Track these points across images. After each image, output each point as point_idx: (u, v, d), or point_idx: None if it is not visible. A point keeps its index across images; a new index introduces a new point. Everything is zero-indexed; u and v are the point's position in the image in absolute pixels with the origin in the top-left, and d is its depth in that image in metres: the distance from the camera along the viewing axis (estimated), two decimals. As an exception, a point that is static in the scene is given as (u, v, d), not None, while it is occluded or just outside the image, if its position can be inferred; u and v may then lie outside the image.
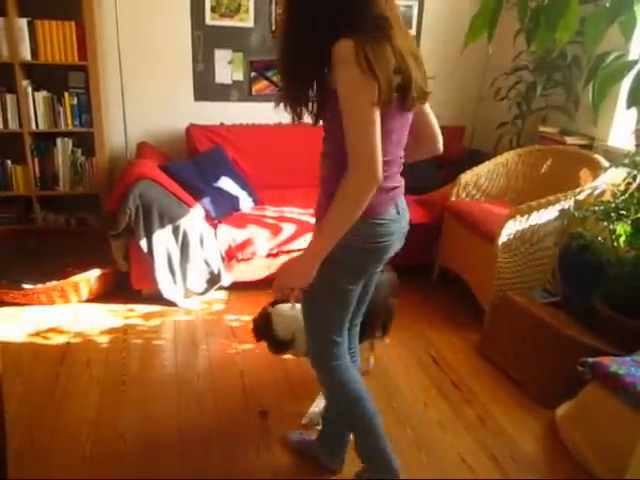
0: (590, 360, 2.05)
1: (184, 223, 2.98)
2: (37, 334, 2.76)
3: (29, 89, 3.24)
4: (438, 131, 1.72)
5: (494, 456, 2.09)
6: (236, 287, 3.24)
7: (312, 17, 1.39)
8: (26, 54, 3.14)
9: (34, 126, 3.31)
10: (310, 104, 1.50)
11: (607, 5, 1.38)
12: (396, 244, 1.65)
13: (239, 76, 3.86)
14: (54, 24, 3.13)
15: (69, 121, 3.37)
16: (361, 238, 1.53)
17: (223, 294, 3.25)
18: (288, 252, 3.20)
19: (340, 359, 1.75)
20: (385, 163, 1.44)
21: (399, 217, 1.61)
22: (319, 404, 2.21)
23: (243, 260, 3.16)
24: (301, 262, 1.54)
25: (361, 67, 1.28)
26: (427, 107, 1.66)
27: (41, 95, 3.28)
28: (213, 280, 3.15)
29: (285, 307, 2.18)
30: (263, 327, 2.21)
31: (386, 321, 2.40)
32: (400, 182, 1.63)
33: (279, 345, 2.20)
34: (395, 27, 1.39)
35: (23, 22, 3.09)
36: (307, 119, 1.57)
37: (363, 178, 1.36)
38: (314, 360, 1.79)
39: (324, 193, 1.58)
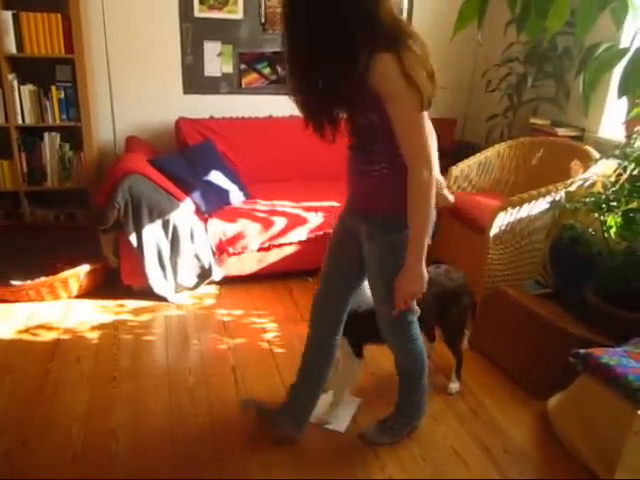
0: (582, 351, 2.06)
1: (174, 217, 2.96)
2: (26, 331, 2.73)
3: (15, 83, 3.20)
4: None
5: (487, 448, 2.10)
6: (227, 281, 3.22)
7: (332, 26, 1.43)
8: (11, 47, 3.10)
9: (20, 120, 3.27)
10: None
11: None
12: None
13: (229, 69, 3.83)
14: (40, 16, 3.09)
15: (56, 115, 3.33)
16: None
17: (214, 288, 3.23)
18: (279, 246, 3.19)
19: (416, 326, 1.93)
20: None
21: None
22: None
23: (234, 254, 3.14)
24: (413, 270, 1.64)
25: (406, 80, 1.41)
26: None
27: (27, 89, 3.24)
28: (204, 275, 3.13)
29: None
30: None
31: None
32: None
33: None
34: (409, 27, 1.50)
35: (8, 14, 3.04)
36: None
37: (425, 173, 1.51)
38: (411, 341, 1.94)
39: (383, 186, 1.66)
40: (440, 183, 1.71)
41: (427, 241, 1.62)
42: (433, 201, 1.56)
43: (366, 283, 1.91)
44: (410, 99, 1.44)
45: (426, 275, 1.67)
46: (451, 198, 1.89)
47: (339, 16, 1.42)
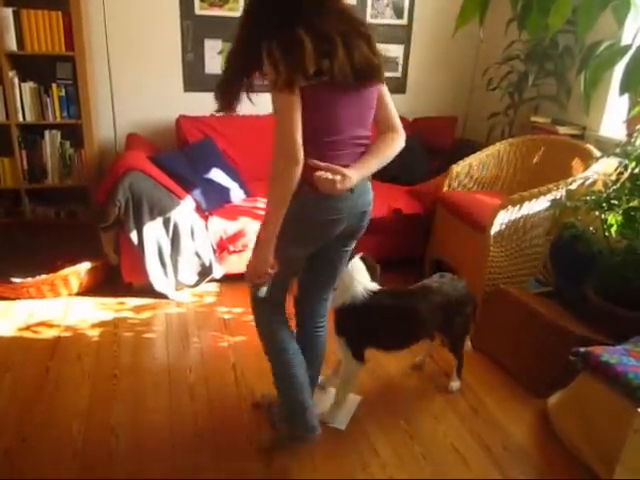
0: (582, 350, 2.06)
1: (175, 215, 2.96)
2: (27, 328, 2.73)
3: (15, 80, 3.20)
4: (397, 123, 1.75)
5: (487, 446, 2.10)
6: (228, 279, 3.22)
7: (250, 16, 1.56)
8: (12, 44, 3.09)
9: (21, 118, 3.27)
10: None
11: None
12: (350, 221, 1.72)
13: (229, 66, 3.82)
14: (40, 14, 3.09)
15: (57, 113, 3.32)
16: (307, 212, 1.63)
17: (214, 286, 3.24)
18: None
19: (279, 315, 1.91)
20: (333, 142, 1.58)
21: (352, 195, 1.66)
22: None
23: (234, 252, 3.14)
24: (255, 253, 1.68)
25: (271, 65, 1.45)
26: (386, 97, 1.71)
27: (28, 86, 3.24)
28: (204, 272, 3.13)
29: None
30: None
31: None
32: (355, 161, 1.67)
33: None
34: (322, 12, 1.50)
35: (8, 12, 3.03)
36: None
37: (282, 162, 1.52)
38: (256, 318, 1.94)
39: None
40: (315, 163, 1.59)
41: (275, 229, 1.60)
42: (283, 192, 1.54)
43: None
44: (270, 79, 1.48)
45: (270, 259, 1.65)
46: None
47: (254, 10, 1.55)
